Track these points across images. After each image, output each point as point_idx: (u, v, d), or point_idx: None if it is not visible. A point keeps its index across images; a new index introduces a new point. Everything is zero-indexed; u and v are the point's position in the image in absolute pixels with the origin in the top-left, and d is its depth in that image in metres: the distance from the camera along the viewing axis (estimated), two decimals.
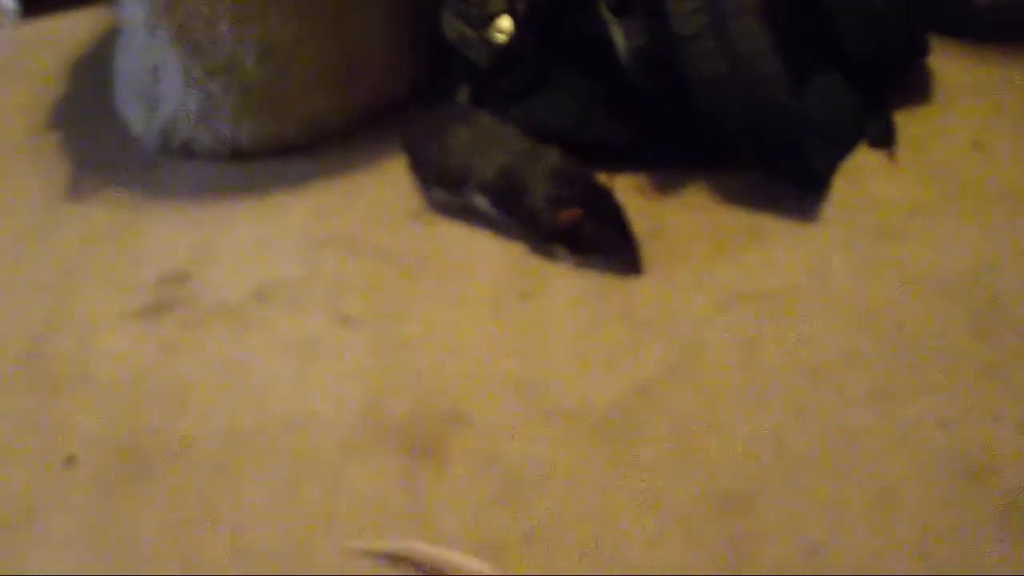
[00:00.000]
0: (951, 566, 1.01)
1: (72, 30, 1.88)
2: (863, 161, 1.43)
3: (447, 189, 1.39)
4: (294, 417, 1.17)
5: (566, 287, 1.28)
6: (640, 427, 1.13)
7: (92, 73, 1.77)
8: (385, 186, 1.46)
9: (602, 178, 1.33)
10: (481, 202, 1.36)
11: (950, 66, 1.56)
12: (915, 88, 1.53)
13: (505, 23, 1.46)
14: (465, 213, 1.38)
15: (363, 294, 1.30)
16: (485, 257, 1.33)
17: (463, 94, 1.51)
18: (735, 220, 1.35)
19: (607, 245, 1.29)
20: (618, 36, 1.35)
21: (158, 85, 1.53)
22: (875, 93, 1.47)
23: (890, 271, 1.28)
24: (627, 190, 1.37)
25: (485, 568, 0.99)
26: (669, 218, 1.34)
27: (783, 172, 1.35)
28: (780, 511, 1.06)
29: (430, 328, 1.25)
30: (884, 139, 1.43)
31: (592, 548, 1.03)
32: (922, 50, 1.50)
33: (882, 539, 1.04)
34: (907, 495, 1.07)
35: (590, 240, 1.29)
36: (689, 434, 1.12)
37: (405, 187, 1.45)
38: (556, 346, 1.22)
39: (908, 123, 1.47)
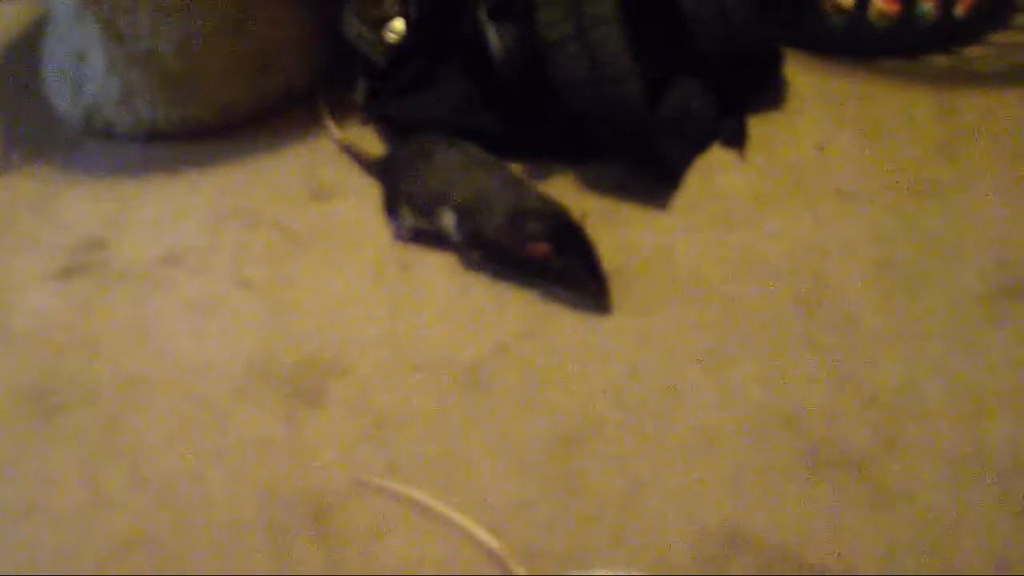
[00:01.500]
0: (760, 500, 1.17)
1: (4, 15, 2.00)
2: (715, 157, 1.59)
3: (418, 211, 1.44)
4: (192, 366, 1.31)
5: (441, 261, 1.42)
6: (495, 379, 1.28)
7: (23, 56, 1.89)
8: (288, 168, 1.60)
9: (575, 214, 1.38)
10: (448, 222, 1.41)
11: (802, 77, 1.73)
12: (769, 95, 1.70)
13: (398, 25, 1.61)
14: (431, 239, 1.45)
15: (260, 261, 1.44)
16: (372, 233, 1.46)
17: (361, 89, 1.65)
18: (595, 205, 1.49)
19: (574, 281, 1.35)
20: (492, 37, 1.50)
21: (83, 70, 1.65)
22: (732, 97, 1.63)
23: (728, 253, 1.44)
24: None
25: (491, 541, 1.12)
26: None
27: (640, 165, 1.51)
28: (610, 452, 1.21)
29: (318, 292, 1.39)
30: (736, 139, 1.60)
31: (445, 480, 1.18)
32: (776, 61, 1.67)
33: (699, 476, 1.20)
34: (725, 439, 1.23)
35: (557, 274, 1.36)
36: (537, 386, 1.27)
37: (305, 169, 1.59)
38: (427, 310, 1.36)
39: (759, 125, 1.64)
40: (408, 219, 1.45)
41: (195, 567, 1.11)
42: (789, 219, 1.49)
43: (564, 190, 1.52)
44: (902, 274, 1.43)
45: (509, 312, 1.36)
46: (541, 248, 1.34)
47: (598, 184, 1.54)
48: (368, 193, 1.52)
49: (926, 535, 1.17)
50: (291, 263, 1.43)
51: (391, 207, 1.48)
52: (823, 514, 1.18)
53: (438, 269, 1.42)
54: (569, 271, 1.35)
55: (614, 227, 1.47)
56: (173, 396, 1.28)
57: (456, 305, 1.37)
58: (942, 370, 1.32)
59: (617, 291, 1.38)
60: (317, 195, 1.53)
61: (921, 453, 1.24)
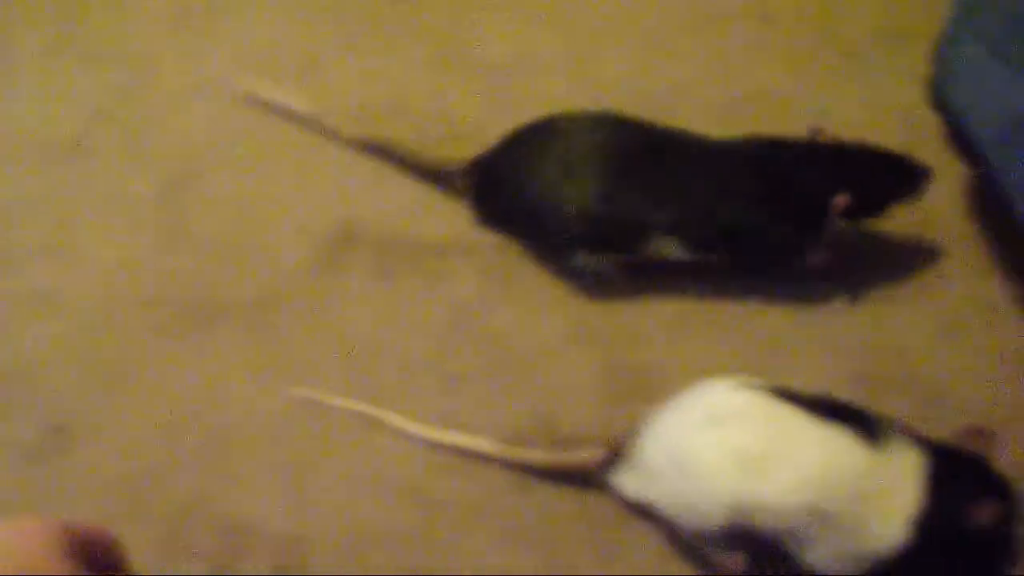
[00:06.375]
0: (370, 196, 1.21)
1: None
2: None
3: (606, 248, 1.05)
4: None
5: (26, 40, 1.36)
6: (95, 142, 1.26)
7: None
8: None
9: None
10: (670, 248, 1.04)
11: None
12: None
13: None
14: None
15: None
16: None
17: None
18: None
19: None
20: None
21: None
22: None
23: None
24: None
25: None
26: None
27: None
28: (218, 182, 1.22)
29: None
30: None
31: (57, 260, 1.16)
32: None
33: (309, 183, 1.22)
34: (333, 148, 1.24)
35: None
36: (140, 140, 1.26)
37: None
38: (19, 91, 1.31)
39: None
40: (592, 262, 1.07)
41: None
42: None
43: None
44: None
45: (104, 77, 1.32)
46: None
47: None
48: None
49: None
50: None
51: (558, 253, 1.09)
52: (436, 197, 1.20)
53: (26, 51, 1.35)
54: None
55: None
56: None
57: (50, 82, 1.32)
58: (555, 27, 1.34)
59: (215, 28, 1.34)
60: None
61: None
